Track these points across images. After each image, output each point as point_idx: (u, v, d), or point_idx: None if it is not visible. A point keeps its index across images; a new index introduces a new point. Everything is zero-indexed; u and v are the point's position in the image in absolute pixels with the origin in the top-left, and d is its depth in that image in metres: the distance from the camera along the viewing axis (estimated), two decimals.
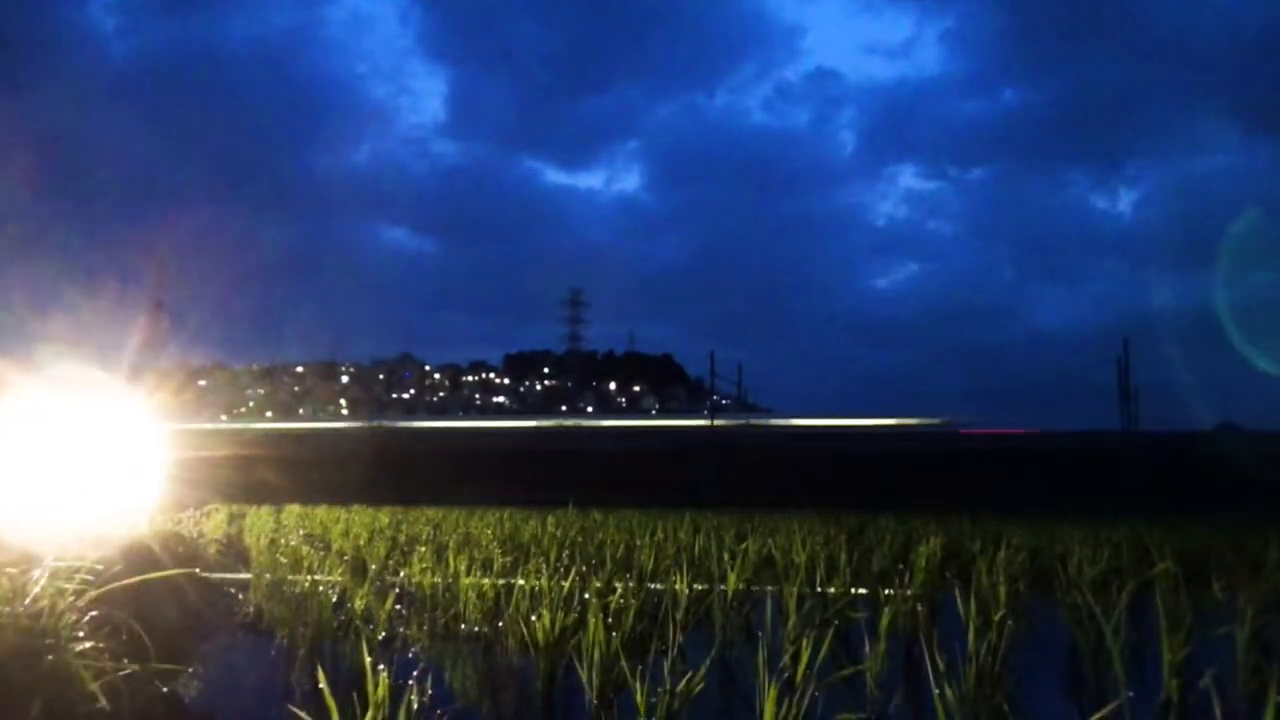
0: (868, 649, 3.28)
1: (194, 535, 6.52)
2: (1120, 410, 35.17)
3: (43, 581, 2.74)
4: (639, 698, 2.75)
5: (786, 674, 3.25)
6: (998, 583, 4.63)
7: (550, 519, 9.13)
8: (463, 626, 4.50)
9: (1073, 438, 29.68)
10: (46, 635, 2.51)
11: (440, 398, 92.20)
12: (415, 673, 3.41)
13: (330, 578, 5.00)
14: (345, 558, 6.71)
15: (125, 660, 2.75)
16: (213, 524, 7.75)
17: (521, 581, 4.21)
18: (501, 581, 4.66)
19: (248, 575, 5.55)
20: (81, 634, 2.74)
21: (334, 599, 4.55)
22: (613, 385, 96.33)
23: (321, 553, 6.53)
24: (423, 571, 5.27)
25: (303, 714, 2.34)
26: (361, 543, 7.33)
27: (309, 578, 4.69)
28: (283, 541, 7.46)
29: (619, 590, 4.13)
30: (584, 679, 3.10)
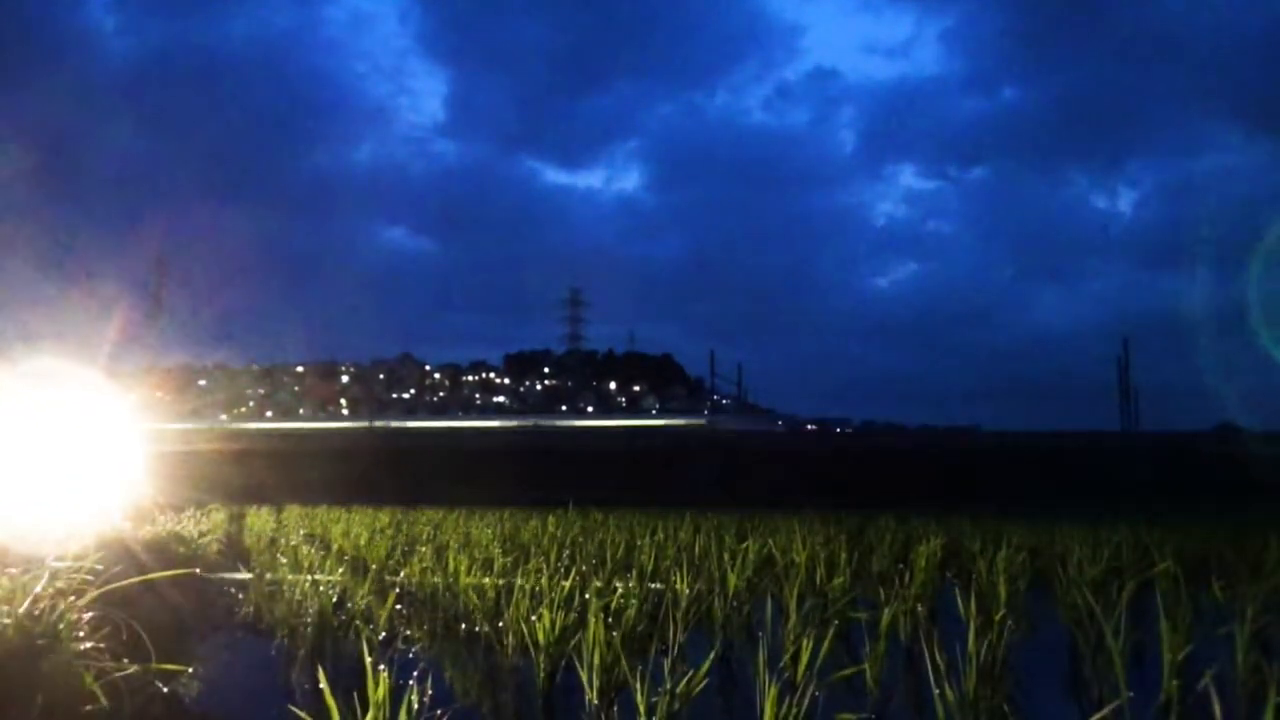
0: (868, 649, 3.28)
1: (194, 535, 6.52)
2: (1120, 410, 35.21)
3: (43, 581, 2.75)
4: (639, 698, 2.75)
5: (787, 674, 3.25)
6: (998, 582, 4.64)
7: (536, 520, 9.14)
8: (463, 626, 4.50)
9: (1072, 437, 29.69)
10: (47, 635, 2.52)
11: (440, 397, 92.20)
12: (415, 672, 3.41)
13: (330, 577, 5.00)
14: (346, 557, 6.71)
15: (125, 660, 2.75)
16: (211, 523, 7.74)
17: (521, 581, 4.21)
18: (501, 581, 4.66)
19: (247, 575, 5.55)
20: (82, 634, 2.74)
21: (334, 599, 4.56)
22: (613, 385, 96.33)
23: (321, 553, 6.53)
24: (423, 571, 5.27)
25: (303, 714, 2.34)
26: (362, 542, 7.33)
27: (309, 577, 4.69)
28: (283, 541, 7.46)
29: (619, 590, 4.14)
30: (584, 679, 3.10)
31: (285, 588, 4.60)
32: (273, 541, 6.99)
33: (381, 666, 2.45)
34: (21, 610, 2.51)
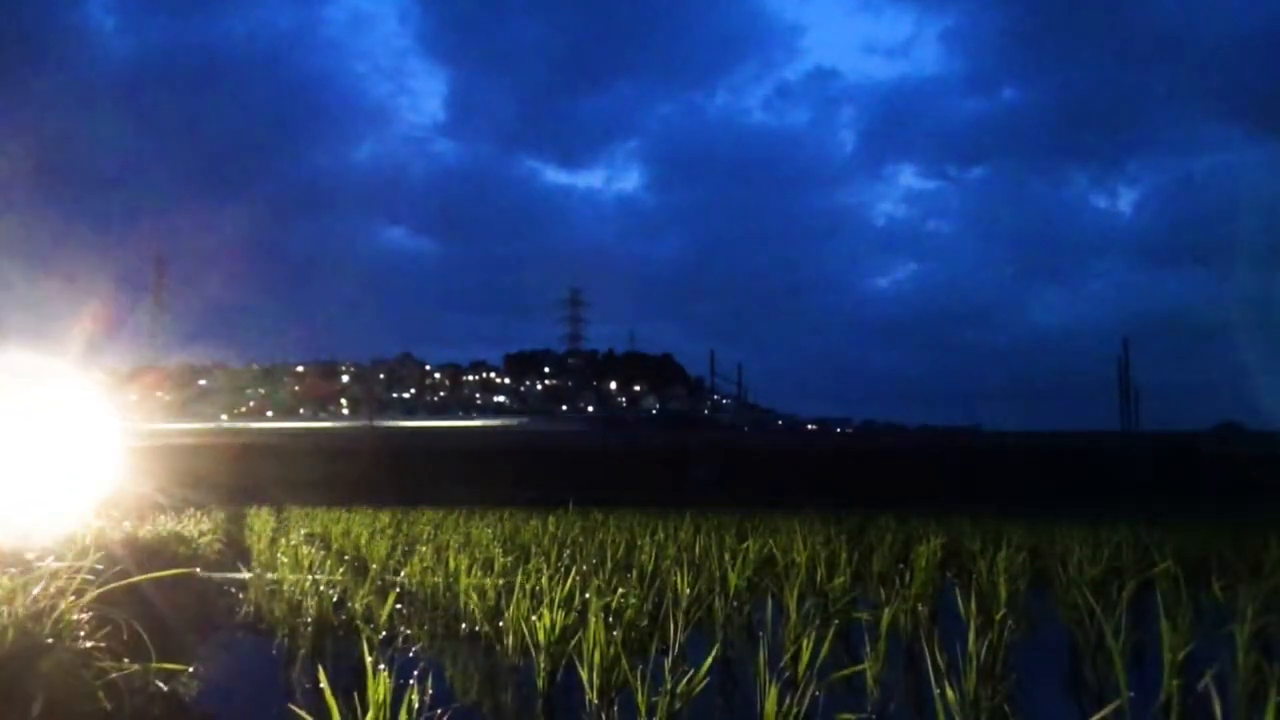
0: (868, 648, 3.28)
1: (194, 535, 6.52)
2: (1120, 410, 35.20)
3: (43, 582, 2.75)
4: (639, 698, 2.75)
5: (787, 673, 3.25)
6: (998, 582, 4.64)
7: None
8: (463, 626, 4.50)
9: (1072, 437, 29.68)
10: (47, 635, 2.52)
11: (440, 397, 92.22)
12: (415, 672, 3.41)
13: (331, 577, 5.00)
14: (346, 556, 6.71)
15: (125, 660, 2.75)
16: (211, 523, 7.74)
17: (521, 579, 4.21)
18: (502, 581, 4.66)
19: (247, 575, 5.55)
20: (82, 634, 2.74)
21: (334, 598, 4.56)
22: (613, 385, 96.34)
23: (322, 552, 6.53)
24: (423, 571, 5.27)
25: (303, 713, 2.34)
26: (362, 541, 7.33)
27: (309, 577, 4.70)
28: (283, 541, 7.45)
29: (620, 590, 4.13)
30: (584, 679, 3.10)
31: (285, 587, 4.60)
32: (273, 541, 6.99)
33: (381, 666, 2.45)
34: (22, 610, 2.51)
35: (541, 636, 3.42)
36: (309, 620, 4.28)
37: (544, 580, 4.14)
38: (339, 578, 5.12)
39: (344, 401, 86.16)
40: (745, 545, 6.07)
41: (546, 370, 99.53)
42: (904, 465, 25.10)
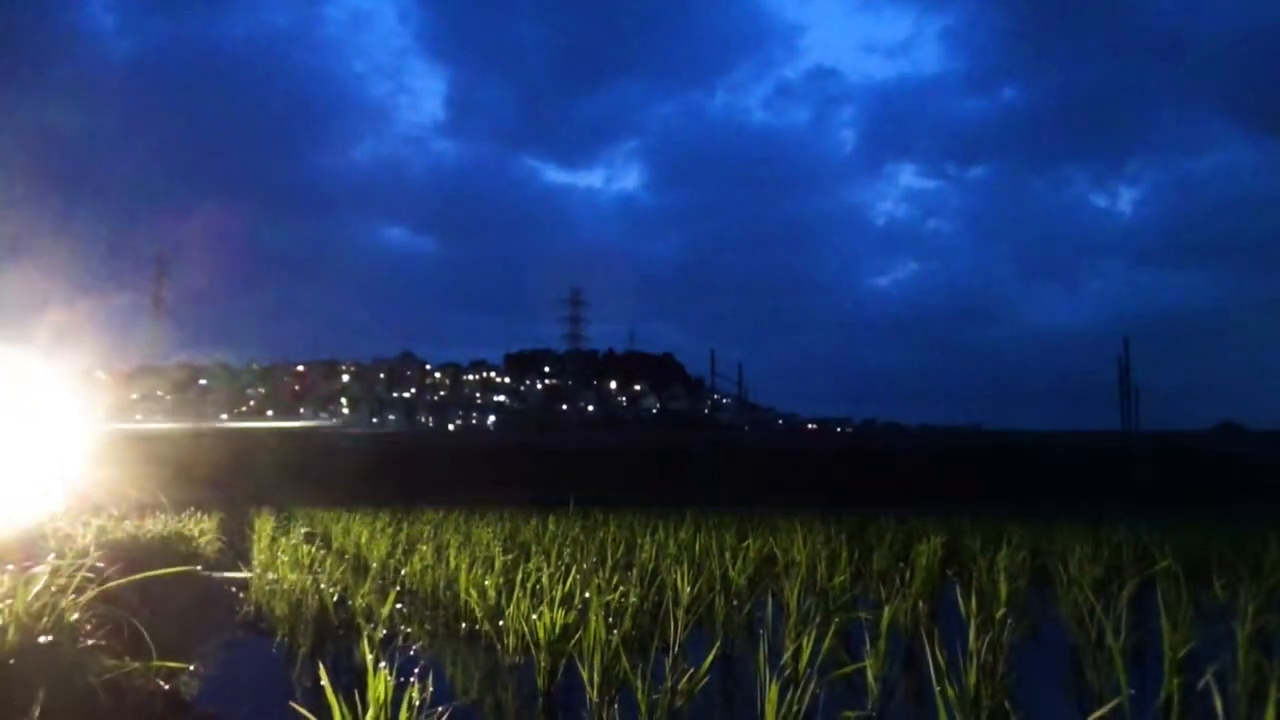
0: (869, 647, 3.28)
1: (194, 534, 6.52)
2: (1121, 409, 35.20)
3: (43, 579, 2.75)
4: (640, 696, 2.76)
5: (788, 671, 3.25)
6: (998, 581, 4.63)
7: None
8: (463, 625, 4.50)
9: (1073, 437, 29.69)
10: (47, 633, 2.52)
11: (441, 397, 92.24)
12: (416, 670, 3.41)
13: (332, 576, 5.00)
14: (346, 555, 6.70)
15: (126, 658, 2.75)
16: (212, 522, 7.75)
17: (522, 576, 4.21)
18: (503, 580, 4.66)
19: (248, 574, 5.55)
20: (83, 632, 2.74)
21: (335, 597, 4.56)
22: (613, 384, 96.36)
23: (322, 551, 6.53)
24: (424, 570, 5.26)
25: (304, 712, 2.34)
26: (363, 540, 7.33)
27: (309, 576, 4.70)
28: (282, 541, 7.46)
29: (620, 589, 4.13)
30: (585, 678, 3.10)
31: (285, 586, 4.61)
32: (273, 540, 6.99)
33: (382, 664, 2.45)
34: (22, 608, 2.51)
35: (542, 635, 3.42)
36: (309, 619, 4.28)
37: (544, 578, 4.14)
38: (339, 576, 5.13)
39: (344, 401, 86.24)
40: (745, 544, 6.07)
41: (546, 370, 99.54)
42: (904, 464, 25.10)
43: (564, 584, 3.94)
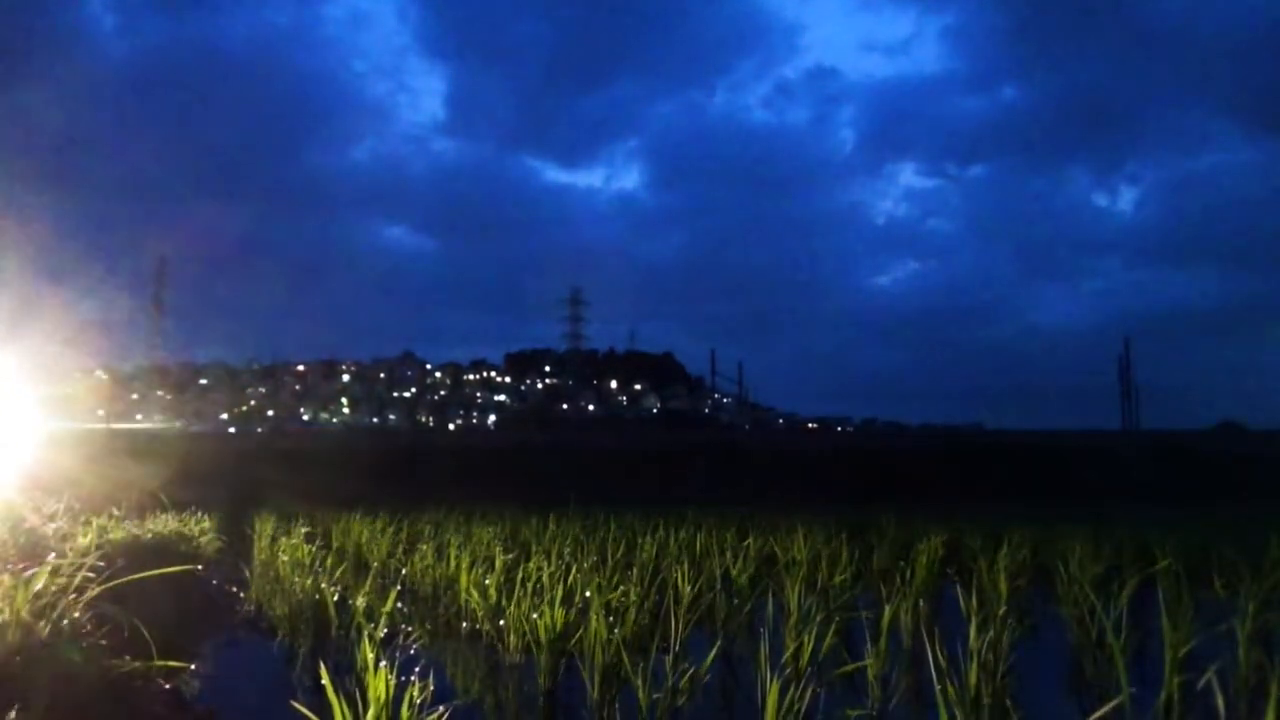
0: (869, 645, 3.28)
1: (195, 533, 6.51)
2: (1121, 409, 35.15)
3: (45, 579, 2.75)
4: (641, 696, 2.75)
5: (789, 670, 3.24)
6: (999, 580, 4.63)
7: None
8: (464, 625, 4.50)
9: (1073, 436, 29.67)
10: (49, 632, 2.51)
11: (441, 396, 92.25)
12: (417, 669, 3.42)
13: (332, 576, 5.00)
14: (347, 554, 6.69)
15: (127, 657, 2.75)
16: (213, 521, 7.74)
17: (522, 575, 4.20)
18: (504, 579, 4.66)
19: (249, 573, 5.55)
20: (84, 631, 2.74)
21: (335, 596, 4.55)
22: (614, 384, 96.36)
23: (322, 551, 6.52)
24: (425, 569, 5.26)
25: (305, 710, 2.34)
26: (363, 539, 7.33)
27: (310, 577, 4.69)
28: (283, 540, 7.45)
29: (621, 589, 4.13)
30: (585, 677, 3.10)
31: (286, 585, 4.60)
32: (274, 539, 6.99)
33: (383, 664, 2.45)
34: (24, 608, 2.51)
35: (543, 634, 3.42)
36: (310, 618, 4.28)
37: (545, 577, 4.14)
38: (340, 575, 5.12)
39: (345, 400, 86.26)
40: (746, 543, 6.07)
41: (547, 369, 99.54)
42: (904, 464, 25.08)
43: (564, 583, 3.94)
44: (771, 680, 2.47)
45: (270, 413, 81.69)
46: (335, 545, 7.50)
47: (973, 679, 2.76)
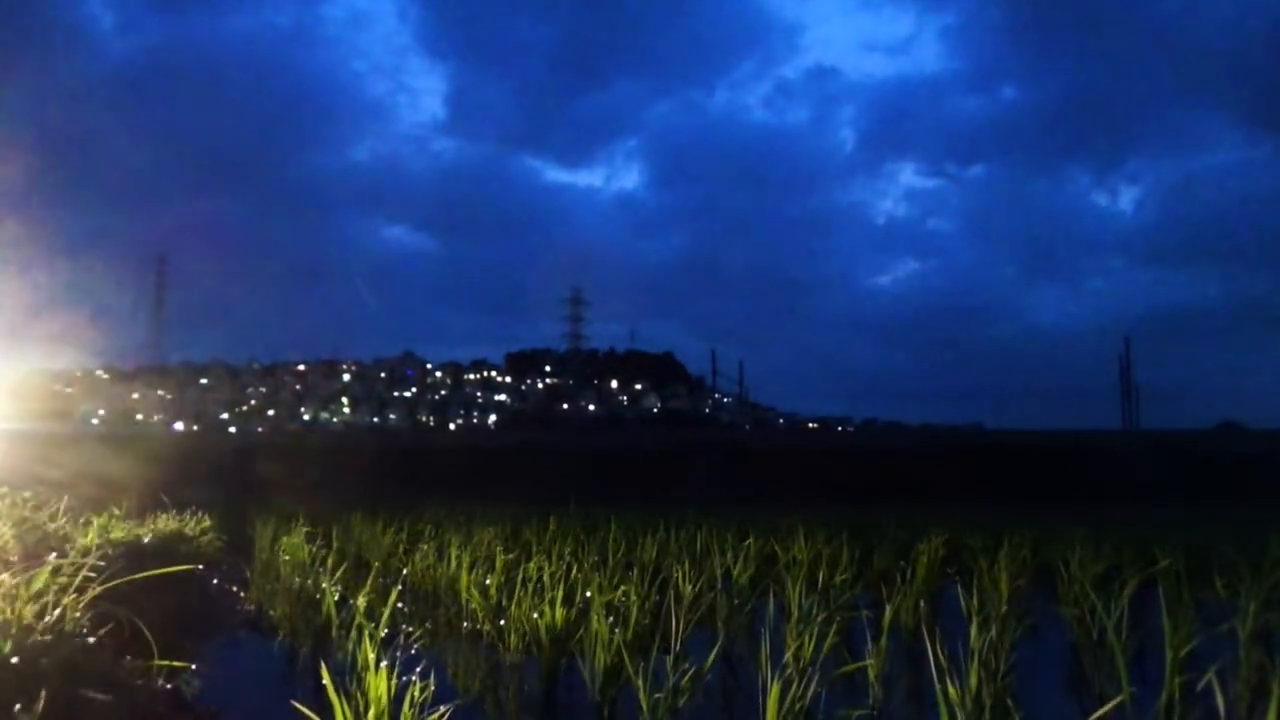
0: (870, 645, 3.28)
1: (196, 533, 6.52)
2: (1121, 408, 35.20)
3: (45, 578, 2.75)
4: (642, 696, 2.75)
5: (789, 670, 3.25)
6: (999, 580, 4.63)
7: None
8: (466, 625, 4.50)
9: (1073, 436, 29.65)
10: (49, 632, 2.51)
11: (441, 396, 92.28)
12: (418, 669, 3.42)
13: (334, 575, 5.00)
14: (349, 554, 6.70)
15: (128, 657, 2.75)
16: (214, 521, 7.74)
17: (523, 576, 4.21)
18: (504, 578, 4.66)
19: (250, 573, 5.55)
20: (84, 631, 2.74)
21: (336, 595, 4.56)
22: (614, 383, 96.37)
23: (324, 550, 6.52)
24: (425, 569, 5.26)
25: (306, 710, 2.34)
26: (365, 539, 7.33)
27: (310, 577, 4.70)
28: (283, 540, 7.46)
29: (621, 589, 4.13)
30: (586, 677, 3.10)
31: (286, 584, 4.61)
32: (275, 539, 6.99)
33: (383, 663, 2.45)
34: (23, 608, 2.51)
35: (544, 634, 3.42)
36: (310, 617, 4.28)
37: (545, 577, 4.14)
38: (340, 575, 5.12)
39: (345, 400, 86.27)
40: (747, 543, 6.07)
41: (547, 369, 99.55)
42: (905, 464, 25.08)
43: (565, 583, 3.94)
44: (772, 680, 2.47)
45: (271, 412, 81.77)
46: (335, 545, 7.50)
47: (973, 679, 2.76)
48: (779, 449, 28.38)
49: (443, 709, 2.65)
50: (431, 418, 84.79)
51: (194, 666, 3.65)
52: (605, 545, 6.39)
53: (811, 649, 3.26)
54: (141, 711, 2.63)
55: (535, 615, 3.55)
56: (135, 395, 78.70)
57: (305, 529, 8.56)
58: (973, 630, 2.92)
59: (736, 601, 4.83)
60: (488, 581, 4.57)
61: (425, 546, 6.06)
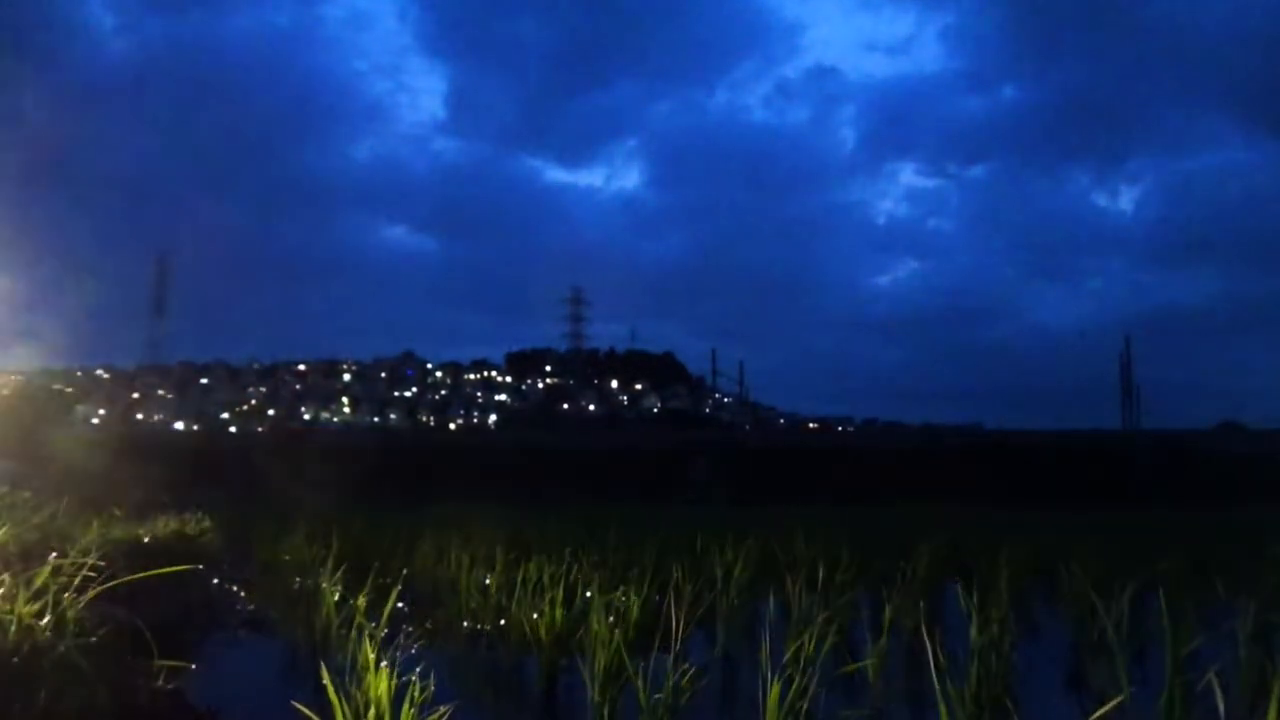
0: (870, 644, 3.28)
1: (197, 533, 6.52)
2: (1122, 408, 35.18)
3: (45, 578, 2.75)
4: (642, 696, 2.75)
5: (789, 670, 3.24)
6: (1000, 579, 4.63)
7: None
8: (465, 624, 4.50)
9: (1074, 435, 29.67)
10: (50, 632, 2.52)
11: (442, 396, 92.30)
12: (418, 669, 3.42)
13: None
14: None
15: (128, 657, 2.75)
16: (215, 521, 7.74)
17: (523, 576, 4.21)
18: (504, 578, 4.66)
19: (250, 573, 5.55)
20: (85, 630, 2.74)
21: (336, 595, 4.56)
22: (614, 383, 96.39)
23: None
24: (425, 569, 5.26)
25: (306, 710, 2.34)
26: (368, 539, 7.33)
27: (310, 577, 4.70)
28: (283, 540, 7.46)
29: (621, 588, 4.13)
30: (586, 677, 3.10)
31: (286, 584, 4.61)
32: (275, 539, 6.99)
33: (383, 664, 2.45)
34: (23, 608, 2.51)
35: (544, 633, 3.42)
36: (310, 617, 4.28)
37: (545, 577, 4.14)
38: (340, 574, 5.12)
39: (345, 400, 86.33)
40: (747, 543, 6.07)
41: (548, 369, 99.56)
42: (905, 463, 25.08)
43: (565, 583, 3.94)
44: (772, 680, 2.47)
45: (271, 412, 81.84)
46: (336, 545, 7.50)
47: (973, 678, 2.76)
48: (779, 449, 28.39)
49: (443, 709, 2.65)
50: (432, 418, 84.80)
51: (194, 666, 3.66)
52: (605, 545, 6.39)
53: (812, 648, 3.26)
54: (141, 711, 2.63)
55: (535, 616, 3.55)
56: (135, 395, 78.77)
57: (305, 528, 8.56)
58: (973, 630, 2.92)
59: (736, 601, 4.83)
60: (487, 581, 4.57)
61: (425, 546, 6.07)
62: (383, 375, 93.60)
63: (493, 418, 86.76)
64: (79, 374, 77.98)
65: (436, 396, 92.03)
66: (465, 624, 4.48)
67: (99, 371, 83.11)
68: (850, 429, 63.97)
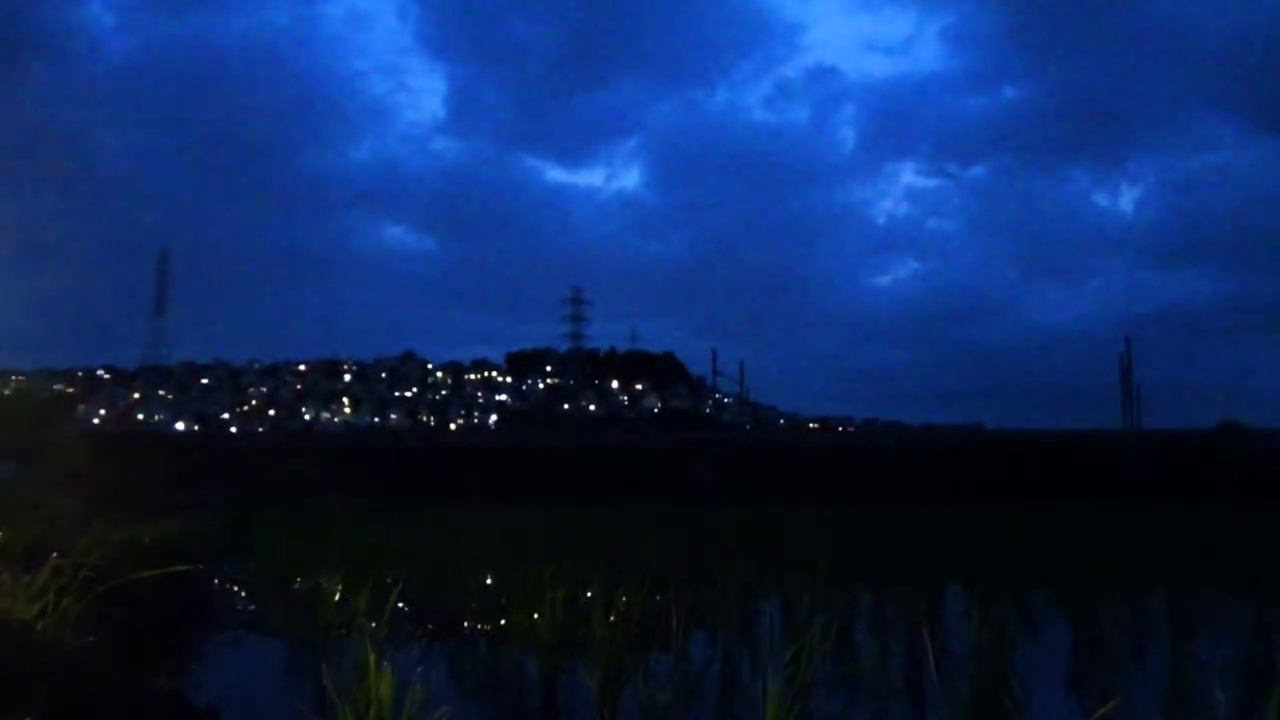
0: (871, 643, 3.28)
1: (196, 534, 6.52)
2: (1122, 408, 35.12)
3: (46, 578, 2.75)
4: (642, 695, 2.75)
5: (789, 669, 3.24)
6: (999, 579, 4.63)
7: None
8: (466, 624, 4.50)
9: (1075, 436, 29.64)
10: (50, 632, 2.52)
11: (442, 396, 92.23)
12: (419, 669, 3.42)
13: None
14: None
15: (128, 657, 2.75)
16: (214, 523, 7.74)
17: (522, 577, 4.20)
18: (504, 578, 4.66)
19: (250, 573, 5.55)
20: (85, 630, 2.74)
21: (336, 595, 4.55)
22: (614, 383, 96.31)
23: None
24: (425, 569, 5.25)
25: (306, 710, 2.34)
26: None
27: (310, 577, 4.69)
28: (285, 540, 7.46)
29: (622, 588, 4.13)
30: (586, 676, 3.09)
31: (287, 584, 4.60)
32: (275, 539, 7.00)
33: (384, 663, 2.45)
34: (24, 607, 2.51)
35: (543, 633, 3.41)
36: (311, 617, 4.28)
37: (546, 577, 4.14)
38: (340, 575, 5.12)
39: (346, 400, 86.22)
40: (748, 543, 6.06)
41: (548, 369, 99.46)
42: (906, 463, 25.07)
43: (565, 583, 3.94)
44: (772, 680, 2.47)
45: (271, 412, 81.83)
46: (336, 544, 7.49)
47: (973, 676, 2.76)
48: (780, 449, 28.38)
49: (443, 708, 2.65)
50: (432, 418, 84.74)
51: (194, 666, 3.66)
52: (605, 545, 6.39)
53: (812, 648, 3.26)
54: (141, 711, 2.63)
55: (535, 615, 3.55)
56: (135, 395, 78.76)
57: (306, 528, 8.56)
58: (973, 629, 2.92)
59: (737, 601, 4.83)
60: (488, 582, 4.56)
61: (426, 546, 6.06)
62: (383, 375, 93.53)
63: (493, 418, 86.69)
64: (79, 374, 77.95)
65: (437, 396, 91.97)
66: (466, 623, 4.47)
67: (99, 371, 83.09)
68: (851, 429, 63.87)
